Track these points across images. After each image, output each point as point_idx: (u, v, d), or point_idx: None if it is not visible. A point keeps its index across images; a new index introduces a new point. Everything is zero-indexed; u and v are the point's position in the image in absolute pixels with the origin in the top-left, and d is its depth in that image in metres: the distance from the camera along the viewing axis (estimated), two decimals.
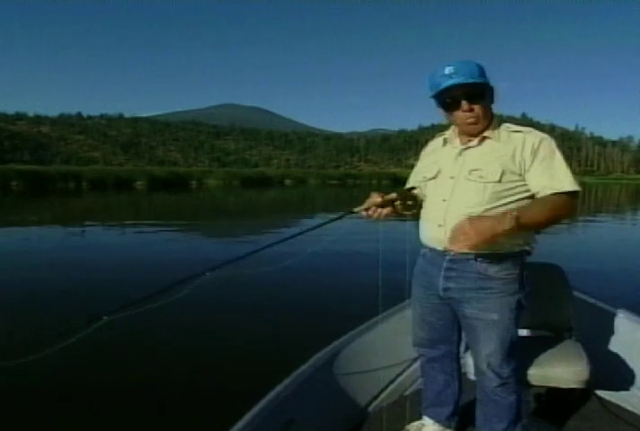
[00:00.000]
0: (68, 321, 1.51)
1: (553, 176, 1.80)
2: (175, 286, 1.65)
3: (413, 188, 2.13)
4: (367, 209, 2.06)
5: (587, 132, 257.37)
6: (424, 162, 2.16)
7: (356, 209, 2.08)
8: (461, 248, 1.68)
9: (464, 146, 1.96)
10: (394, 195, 2.07)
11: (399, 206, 2.09)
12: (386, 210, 2.07)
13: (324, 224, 2.04)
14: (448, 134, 2.07)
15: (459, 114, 1.88)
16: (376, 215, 2.06)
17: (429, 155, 2.15)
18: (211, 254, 9.44)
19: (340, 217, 2.10)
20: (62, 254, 9.64)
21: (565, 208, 1.78)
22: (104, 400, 3.42)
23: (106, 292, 6.30)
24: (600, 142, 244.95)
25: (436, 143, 2.14)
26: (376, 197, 2.06)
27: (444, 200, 1.94)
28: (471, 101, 1.84)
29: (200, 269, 1.74)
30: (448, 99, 1.87)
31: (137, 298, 1.59)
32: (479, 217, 1.71)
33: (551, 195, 1.78)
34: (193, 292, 1.69)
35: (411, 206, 2.09)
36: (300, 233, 2.03)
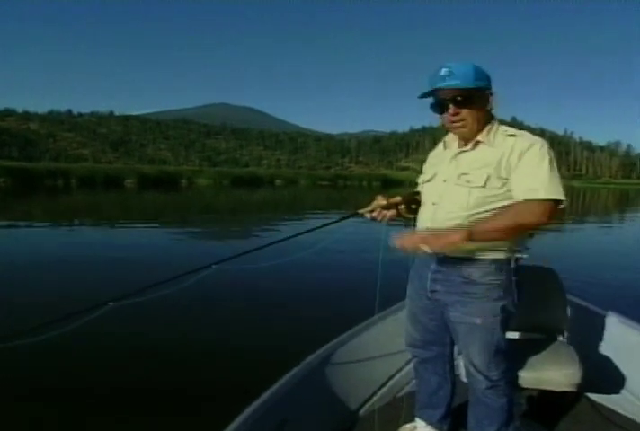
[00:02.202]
0: (73, 307, 1.50)
1: (530, 181, 1.77)
2: (181, 277, 1.66)
3: (418, 192, 2.15)
4: (371, 211, 2.07)
5: (576, 136, 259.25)
6: (427, 166, 2.18)
7: (361, 211, 2.09)
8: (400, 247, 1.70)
9: (459, 150, 1.97)
10: (398, 198, 2.09)
11: (403, 210, 2.10)
12: (390, 213, 2.09)
13: (330, 224, 2.06)
14: (448, 137, 2.08)
15: (447, 117, 1.89)
16: (380, 217, 2.08)
17: (432, 159, 2.18)
18: (209, 251, 9.54)
19: (346, 218, 2.11)
20: (62, 249, 9.69)
21: (534, 215, 1.73)
22: (99, 385, 3.45)
23: (113, 283, 6.37)
24: (588, 147, 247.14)
25: (440, 146, 2.16)
26: (381, 200, 2.08)
27: (434, 204, 1.97)
28: (458, 106, 1.85)
29: (207, 262, 1.76)
30: (437, 100, 1.89)
31: (142, 287, 1.59)
32: (431, 232, 1.73)
33: (520, 202, 1.76)
34: (195, 285, 1.70)
35: (414, 210, 2.10)
36: (306, 232, 2.05)
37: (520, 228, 1.75)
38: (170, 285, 1.65)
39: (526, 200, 1.75)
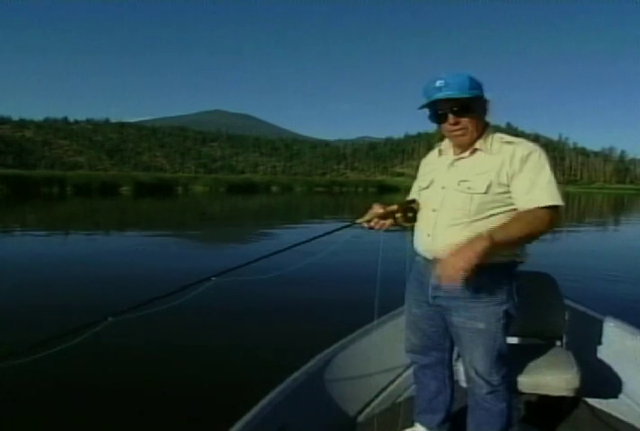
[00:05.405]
0: (73, 323, 1.50)
1: (534, 189, 1.82)
2: (181, 291, 1.68)
3: (413, 200, 2.17)
4: (369, 220, 2.09)
5: (570, 142, 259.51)
6: (421, 173, 2.21)
7: (359, 220, 2.10)
8: (455, 281, 1.67)
9: (456, 157, 2.00)
10: (395, 206, 2.10)
11: (400, 218, 2.12)
12: (387, 221, 2.10)
13: (329, 233, 2.08)
14: (443, 144, 2.11)
15: (447, 126, 1.92)
16: (377, 226, 2.09)
17: (426, 166, 2.20)
18: (210, 261, 9.53)
19: (344, 228, 2.13)
20: (61, 259, 9.63)
21: (543, 223, 1.78)
22: (101, 400, 3.45)
23: (111, 295, 6.34)
24: (583, 152, 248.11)
25: (433, 153, 2.19)
26: (378, 209, 2.09)
27: (434, 210, 1.99)
28: (457, 115, 1.88)
29: (206, 275, 1.77)
30: (436, 111, 1.91)
31: (143, 301, 1.59)
32: (456, 250, 1.70)
33: (528, 210, 1.81)
34: (196, 297, 1.71)
35: (411, 218, 2.12)
36: (305, 242, 2.06)
37: (531, 237, 1.79)
38: (170, 299, 1.66)
39: (534, 208, 1.79)
